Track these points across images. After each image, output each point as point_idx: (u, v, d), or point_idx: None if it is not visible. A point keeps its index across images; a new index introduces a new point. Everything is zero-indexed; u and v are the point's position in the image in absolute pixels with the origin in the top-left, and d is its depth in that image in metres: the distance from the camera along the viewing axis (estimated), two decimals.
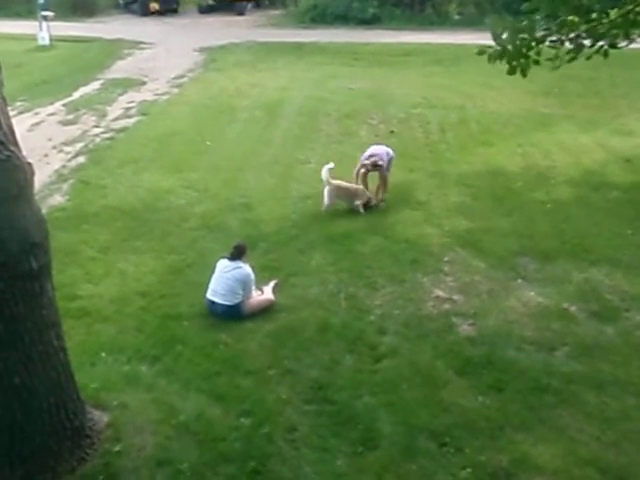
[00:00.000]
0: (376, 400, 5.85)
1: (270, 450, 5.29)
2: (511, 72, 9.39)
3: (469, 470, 5.12)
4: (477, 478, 5.06)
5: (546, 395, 5.94)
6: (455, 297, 7.53)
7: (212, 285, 7.12)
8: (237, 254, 7.18)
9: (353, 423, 5.57)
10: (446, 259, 8.37)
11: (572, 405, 5.83)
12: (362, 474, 5.10)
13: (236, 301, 6.99)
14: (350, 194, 9.60)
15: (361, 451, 5.31)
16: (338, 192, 9.52)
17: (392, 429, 5.52)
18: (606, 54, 9.44)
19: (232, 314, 6.96)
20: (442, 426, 5.55)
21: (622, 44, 9.55)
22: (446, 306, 7.35)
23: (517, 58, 9.20)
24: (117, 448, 5.22)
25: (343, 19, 27.40)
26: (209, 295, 7.10)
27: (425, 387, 6.04)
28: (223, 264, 7.17)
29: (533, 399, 5.88)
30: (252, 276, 7.19)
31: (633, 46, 10.10)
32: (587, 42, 9.63)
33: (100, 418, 5.45)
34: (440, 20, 27.10)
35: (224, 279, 7.05)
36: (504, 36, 9.14)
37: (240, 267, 7.10)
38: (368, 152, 10.17)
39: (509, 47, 9.07)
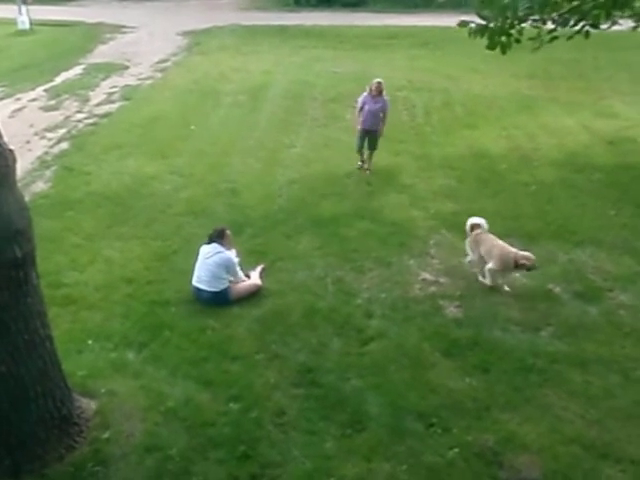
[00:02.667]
0: (364, 382, 5.89)
1: (259, 434, 5.32)
2: (491, 47, 9.37)
3: (456, 450, 5.18)
4: (464, 458, 5.12)
5: (531, 375, 6.02)
6: (441, 279, 7.57)
7: (196, 272, 7.11)
8: (216, 237, 7.17)
9: (341, 406, 5.61)
10: (432, 242, 8.41)
11: (557, 384, 5.91)
12: (350, 456, 5.14)
13: (222, 287, 6.98)
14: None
15: (349, 433, 5.35)
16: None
17: (380, 411, 5.56)
18: (587, 35, 9.46)
19: (218, 300, 6.96)
20: (429, 407, 5.61)
21: (604, 25, 9.57)
22: (432, 288, 7.40)
23: (499, 35, 9.20)
24: (106, 435, 5.23)
25: (327, 2, 27.24)
26: (194, 282, 7.09)
27: (412, 369, 6.09)
28: (204, 250, 7.16)
29: (518, 379, 5.96)
30: (234, 259, 7.18)
31: (616, 28, 10.16)
32: (570, 22, 9.65)
33: (88, 405, 5.44)
34: (425, 3, 26.98)
35: (206, 265, 7.04)
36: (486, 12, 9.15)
37: (220, 252, 7.08)
38: None
39: (491, 25, 9.08)
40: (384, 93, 10.39)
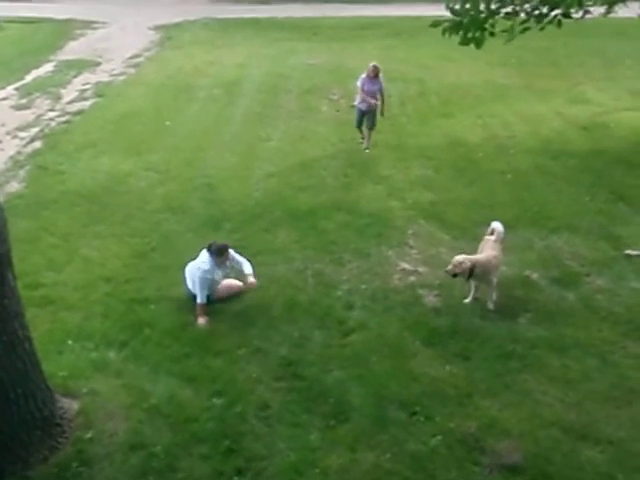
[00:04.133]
0: (346, 374, 5.92)
1: (243, 428, 5.33)
2: (464, 43, 9.46)
3: (439, 437, 5.24)
4: (447, 445, 5.19)
5: (511, 361, 6.10)
6: (420, 269, 7.63)
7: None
8: (213, 251, 6.83)
9: (324, 397, 5.64)
10: (410, 232, 8.46)
11: (536, 369, 6.00)
12: (335, 447, 5.18)
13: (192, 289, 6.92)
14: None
15: (333, 424, 5.39)
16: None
17: (362, 401, 5.60)
18: (559, 24, 9.56)
19: (192, 297, 6.89)
20: (412, 396, 5.66)
21: (576, 15, 9.68)
22: (412, 278, 7.45)
23: (472, 30, 9.27)
24: (89, 435, 5.20)
25: None
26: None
27: (394, 359, 6.14)
28: (201, 254, 6.95)
29: (498, 365, 6.04)
30: (204, 279, 6.73)
31: (587, 15, 10.24)
32: (544, 10, 9.74)
33: (70, 406, 5.41)
34: None
35: (191, 268, 6.96)
36: (457, 6, 9.21)
37: (202, 267, 6.77)
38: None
39: (464, 20, 9.14)
40: (380, 75, 10.97)
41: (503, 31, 9.54)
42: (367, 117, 11.11)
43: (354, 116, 11.33)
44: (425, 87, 14.82)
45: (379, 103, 11.02)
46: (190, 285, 6.93)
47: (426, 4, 23.31)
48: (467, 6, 9.31)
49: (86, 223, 8.67)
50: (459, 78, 15.35)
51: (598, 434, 5.30)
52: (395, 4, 24.60)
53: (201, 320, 6.69)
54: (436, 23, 9.31)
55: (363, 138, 11.33)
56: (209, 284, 6.79)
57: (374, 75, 10.89)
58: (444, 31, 9.34)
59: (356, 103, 11.18)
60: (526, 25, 9.66)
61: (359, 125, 11.27)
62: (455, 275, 6.80)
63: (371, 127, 11.21)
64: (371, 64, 11.01)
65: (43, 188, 9.78)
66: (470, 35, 9.36)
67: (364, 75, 10.98)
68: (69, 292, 7.14)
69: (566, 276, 7.47)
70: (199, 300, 6.74)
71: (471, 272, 6.73)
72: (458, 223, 8.59)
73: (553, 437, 5.26)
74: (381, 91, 11.03)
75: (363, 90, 10.94)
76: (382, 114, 11.19)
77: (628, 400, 5.67)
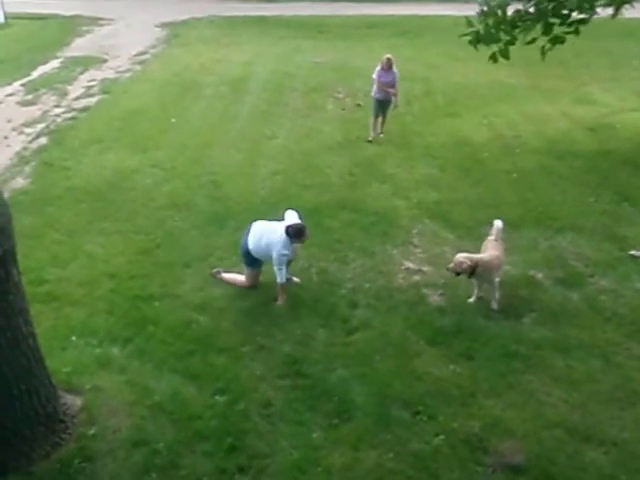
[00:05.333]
0: (349, 372, 5.92)
1: (246, 426, 5.34)
2: (493, 59, 9.54)
3: (442, 437, 5.24)
4: (450, 445, 5.18)
5: (515, 361, 6.09)
6: (425, 268, 7.61)
7: (257, 229, 6.97)
8: (292, 233, 6.71)
9: (327, 396, 5.64)
10: (415, 231, 8.45)
11: (540, 370, 5.99)
12: (337, 445, 5.18)
13: (252, 252, 6.91)
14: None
15: (336, 423, 5.39)
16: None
17: (366, 400, 5.60)
18: (577, 32, 9.52)
19: (243, 254, 7.00)
20: (415, 395, 5.65)
21: (584, 16, 9.67)
22: (416, 277, 7.44)
23: (489, 41, 9.30)
24: (92, 431, 5.21)
25: None
26: (247, 235, 6.99)
27: (397, 358, 6.13)
28: (276, 226, 6.88)
29: (502, 366, 6.02)
30: (280, 258, 6.68)
31: (594, 16, 10.21)
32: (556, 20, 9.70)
33: (73, 402, 5.42)
34: None
35: (267, 234, 6.82)
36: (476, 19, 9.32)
37: (278, 249, 6.68)
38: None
39: (481, 31, 9.19)
40: (394, 67, 11.44)
41: (527, 43, 9.54)
42: (384, 106, 11.59)
43: (371, 107, 11.72)
44: (431, 86, 14.79)
45: (394, 92, 11.47)
46: (256, 249, 6.85)
47: (432, 3, 23.36)
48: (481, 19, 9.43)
49: (91, 219, 8.68)
50: (465, 77, 15.31)
51: (602, 435, 5.28)
52: (402, 3, 24.56)
53: (280, 300, 6.84)
54: (464, 34, 9.56)
55: (376, 130, 11.66)
56: (285, 263, 6.82)
57: (388, 67, 11.36)
58: (470, 42, 9.54)
59: (372, 94, 11.63)
60: (557, 33, 9.64)
61: (377, 115, 11.64)
62: (458, 274, 6.80)
63: (385, 115, 11.72)
64: (385, 56, 11.47)
65: (48, 184, 9.80)
66: (494, 47, 9.43)
67: (379, 67, 11.45)
68: (73, 288, 7.15)
69: (570, 276, 7.45)
70: (280, 280, 6.78)
71: (472, 271, 6.72)
72: (463, 222, 8.57)
73: (557, 438, 5.25)
74: (395, 82, 11.46)
75: (379, 81, 11.40)
76: (396, 106, 11.65)
77: (632, 401, 5.65)
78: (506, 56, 9.55)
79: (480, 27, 9.44)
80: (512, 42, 9.49)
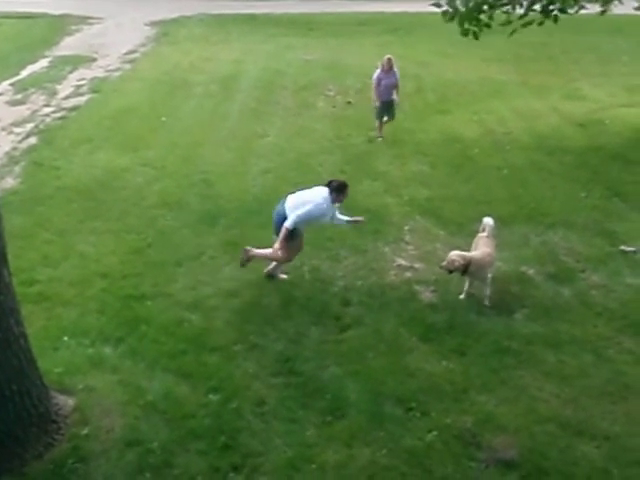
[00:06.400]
0: (342, 370, 5.93)
1: (240, 424, 5.33)
2: (464, 34, 9.57)
3: (435, 433, 5.25)
4: (443, 440, 5.19)
5: (507, 357, 6.11)
6: (416, 265, 7.63)
7: (295, 195, 6.96)
8: (334, 187, 6.81)
9: (320, 393, 5.64)
10: (407, 228, 8.46)
11: (532, 365, 6.02)
12: (331, 442, 5.18)
13: (288, 216, 6.78)
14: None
15: (329, 420, 5.39)
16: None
17: (359, 397, 5.61)
18: (556, 19, 9.60)
19: (279, 223, 6.83)
20: (408, 392, 5.67)
21: (571, 10, 9.74)
22: (408, 274, 7.46)
23: (469, 20, 9.39)
24: (85, 431, 5.19)
25: None
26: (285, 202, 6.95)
27: (390, 354, 6.14)
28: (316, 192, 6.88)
29: (494, 361, 6.05)
30: (324, 216, 6.78)
31: (583, 12, 10.26)
32: (538, 7, 9.80)
33: (66, 402, 5.40)
34: None
35: (303, 197, 6.84)
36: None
37: (321, 203, 6.73)
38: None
39: (461, 9, 9.28)
40: (395, 67, 11.22)
41: (502, 24, 9.58)
42: (388, 109, 11.35)
43: (375, 111, 11.45)
44: (422, 83, 14.80)
45: (396, 97, 11.24)
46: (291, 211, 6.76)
47: (423, 0, 23.36)
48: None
49: (82, 219, 8.65)
50: (455, 74, 15.33)
51: (594, 429, 5.31)
52: (392, 0, 24.56)
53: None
54: (437, 4, 9.63)
55: (380, 131, 11.51)
56: (316, 218, 6.79)
57: (389, 68, 11.12)
58: (444, 15, 9.59)
59: (374, 99, 11.30)
60: (527, 20, 9.71)
61: (380, 117, 11.43)
62: (451, 272, 6.82)
63: (392, 117, 11.47)
64: (385, 57, 11.27)
65: (38, 184, 9.75)
66: (467, 25, 9.49)
67: (379, 70, 11.17)
68: (65, 288, 7.12)
69: (562, 272, 7.49)
70: (345, 222, 6.95)
71: (465, 269, 6.74)
72: (454, 219, 8.59)
73: (549, 432, 5.28)
74: (397, 83, 11.23)
75: (379, 85, 11.11)
76: (398, 105, 11.44)
77: (623, 396, 5.69)
78: (477, 36, 9.72)
79: (460, 6, 9.59)
80: (489, 25, 9.62)
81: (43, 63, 16.96)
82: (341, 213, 7.21)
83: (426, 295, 7.08)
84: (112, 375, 5.82)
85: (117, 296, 6.97)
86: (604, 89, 14.23)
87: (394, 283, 7.29)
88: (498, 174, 10.09)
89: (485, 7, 9.65)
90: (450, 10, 9.52)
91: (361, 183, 9.72)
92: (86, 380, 5.69)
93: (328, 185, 6.88)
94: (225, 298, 6.96)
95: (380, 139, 11.44)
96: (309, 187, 7.06)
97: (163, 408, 5.46)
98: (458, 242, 7.92)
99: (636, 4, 11.68)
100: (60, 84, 15.01)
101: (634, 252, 7.87)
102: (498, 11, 9.91)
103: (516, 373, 5.92)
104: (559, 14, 9.74)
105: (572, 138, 11.56)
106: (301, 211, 6.74)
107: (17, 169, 10.32)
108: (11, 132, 12.00)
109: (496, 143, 11.35)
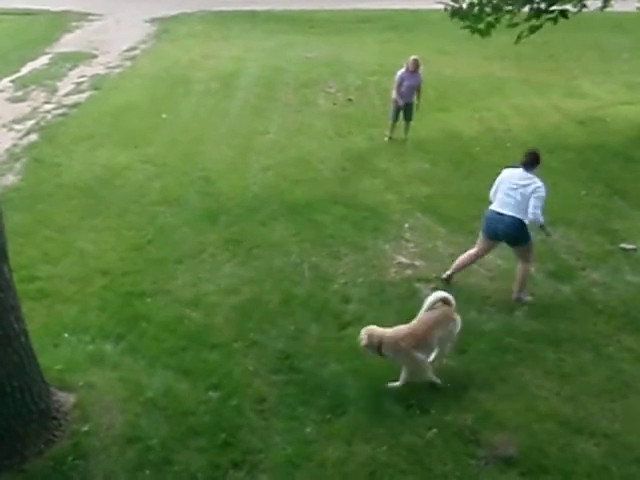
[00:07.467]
0: (342, 367, 5.92)
1: (240, 422, 5.33)
2: (471, 31, 9.62)
3: (435, 430, 5.25)
4: (443, 437, 5.19)
5: (507, 354, 6.11)
6: (417, 263, 7.63)
7: (501, 197, 6.78)
8: (530, 162, 6.70)
9: (320, 391, 5.64)
10: (407, 225, 8.47)
11: (532, 363, 6.02)
12: (331, 440, 5.18)
13: (525, 217, 6.64)
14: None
15: (329, 418, 5.39)
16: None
17: (359, 394, 5.61)
18: (556, 21, 9.62)
19: (518, 229, 6.69)
20: (408, 389, 5.66)
21: (573, 10, 9.77)
22: (408, 272, 7.46)
23: (475, 22, 9.43)
24: (85, 428, 5.19)
25: None
26: (496, 207, 6.77)
27: None
28: (513, 175, 6.76)
29: (494, 359, 6.05)
30: (545, 190, 6.56)
31: (584, 9, 10.25)
32: (542, 6, 9.81)
33: (66, 399, 5.40)
34: None
35: (521, 193, 6.64)
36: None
37: (537, 184, 6.60)
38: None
39: (464, 6, 9.33)
40: (420, 68, 11.05)
41: (509, 26, 9.60)
42: (405, 111, 11.20)
43: (390, 110, 11.35)
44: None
45: (416, 100, 11.13)
46: (522, 213, 6.60)
47: None
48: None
49: (82, 216, 8.65)
50: (456, 72, 15.33)
51: (593, 427, 5.31)
52: None
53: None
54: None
55: (391, 135, 11.37)
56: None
57: (414, 69, 10.93)
58: (451, 14, 9.61)
59: (394, 98, 11.15)
60: (536, 23, 9.75)
61: (395, 119, 11.29)
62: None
63: (409, 119, 11.32)
64: (411, 57, 11.03)
65: (39, 181, 9.75)
66: (469, 23, 9.52)
67: (403, 69, 11.00)
68: (65, 285, 7.12)
69: (562, 270, 7.49)
70: (542, 218, 6.63)
71: (379, 348, 5.59)
72: (455, 216, 8.59)
73: (548, 430, 5.28)
74: (420, 85, 11.11)
75: (401, 85, 10.95)
76: (417, 108, 11.26)
77: (623, 393, 5.69)
78: (483, 35, 9.76)
79: (464, 4, 9.64)
80: (493, 25, 9.64)
81: (43, 60, 16.96)
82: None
83: (426, 293, 7.05)
84: (112, 372, 5.82)
85: (117, 293, 6.98)
86: (605, 87, 14.23)
87: (394, 281, 7.29)
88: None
89: (487, 9, 9.68)
90: (462, 8, 9.55)
91: (362, 180, 9.74)
92: (86, 377, 5.69)
93: (526, 162, 6.66)
94: (225, 295, 6.96)
95: (387, 138, 11.35)
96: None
97: (163, 405, 5.46)
98: (458, 239, 7.93)
99: (638, 4, 11.67)
100: (60, 81, 15.01)
101: (634, 250, 7.87)
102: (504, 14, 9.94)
103: (516, 371, 5.92)
104: (560, 17, 9.77)
105: (573, 136, 11.56)
106: (536, 201, 6.52)
107: (18, 166, 10.32)
108: (11, 129, 12.00)
109: (497, 140, 11.35)
